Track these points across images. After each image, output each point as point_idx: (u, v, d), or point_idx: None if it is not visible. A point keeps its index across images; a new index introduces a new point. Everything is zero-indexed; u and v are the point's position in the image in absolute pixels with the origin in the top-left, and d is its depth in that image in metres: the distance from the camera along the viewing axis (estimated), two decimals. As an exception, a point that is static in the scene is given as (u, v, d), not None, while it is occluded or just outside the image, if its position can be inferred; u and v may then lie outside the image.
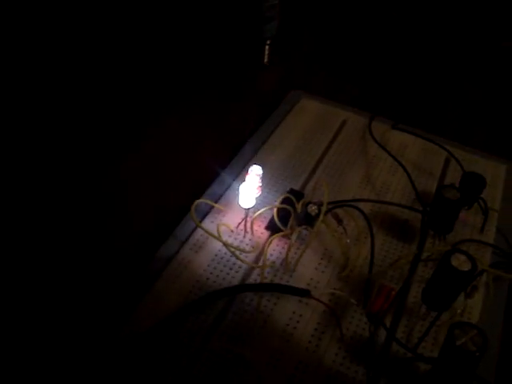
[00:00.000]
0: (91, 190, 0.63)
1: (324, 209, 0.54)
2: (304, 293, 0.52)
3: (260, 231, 0.59)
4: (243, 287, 0.53)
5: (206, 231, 0.56)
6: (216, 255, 0.57)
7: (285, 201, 0.59)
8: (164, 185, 0.66)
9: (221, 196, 0.63)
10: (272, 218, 0.59)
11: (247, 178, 0.55)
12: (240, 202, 0.55)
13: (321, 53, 0.96)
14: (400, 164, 0.67)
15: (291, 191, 0.62)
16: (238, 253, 0.55)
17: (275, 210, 0.57)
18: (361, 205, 0.61)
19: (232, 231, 0.59)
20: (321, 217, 0.54)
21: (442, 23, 0.92)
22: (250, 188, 0.54)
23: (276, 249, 0.58)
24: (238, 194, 0.56)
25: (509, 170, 0.72)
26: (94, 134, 0.67)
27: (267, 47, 0.87)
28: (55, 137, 0.65)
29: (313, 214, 0.55)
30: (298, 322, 0.52)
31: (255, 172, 0.56)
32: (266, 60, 0.88)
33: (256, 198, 0.57)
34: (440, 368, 0.43)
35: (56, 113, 0.67)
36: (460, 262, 0.47)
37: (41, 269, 0.54)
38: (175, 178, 0.67)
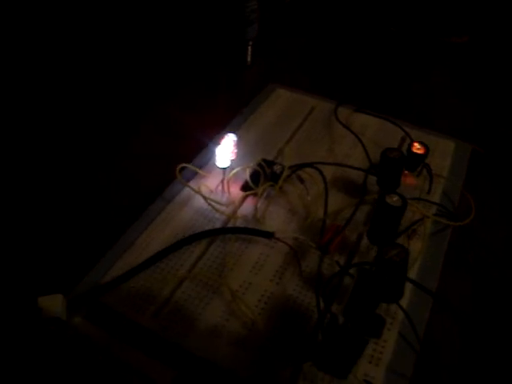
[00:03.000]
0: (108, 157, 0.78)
1: (286, 167, 0.65)
2: (269, 235, 0.62)
3: (236, 192, 0.70)
4: (219, 230, 0.63)
5: (187, 185, 0.67)
6: (197, 210, 0.68)
7: (257, 166, 0.69)
8: (159, 157, 0.77)
9: (205, 165, 0.74)
10: (246, 181, 0.69)
11: (222, 141, 0.65)
12: (216, 163, 0.66)
13: (297, 52, 1.07)
14: (355, 135, 0.78)
15: (264, 160, 0.72)
16: (215, 205, 0.65)
17: (248, 171, 0.68)
18: (323, 171, 0.71)
19: (212, 191, 0.69)
20: (284, 174, 0.65)
21: (402, 22, 1.03)
22: (225, 150, 0.65)
23: (249, 206, 0.68)
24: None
25: (457, 147, 0.82)
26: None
27: (249, 48, 0.99)
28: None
29: (278, 172, 0.66)
30: (264, 260, 0.62)
31: (230, 138, 0.66)
32: (248, 60, 1.00)
33: (232, 161, 0.67)
34: (375, 277, 0.52)
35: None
36: (393, 200, 0.57)
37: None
38: (168, 151, 0.78)
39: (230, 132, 0.68)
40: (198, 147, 0.76)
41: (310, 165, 0.69)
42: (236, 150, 0.67)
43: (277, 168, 0.65)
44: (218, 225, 0.66)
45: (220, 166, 0.65)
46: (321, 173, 0.68)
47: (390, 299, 0.55)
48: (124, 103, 0.88)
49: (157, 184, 0.71)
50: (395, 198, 0.56)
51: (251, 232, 0.62)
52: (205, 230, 0.63)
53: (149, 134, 0.82)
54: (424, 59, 1.00)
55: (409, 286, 0.60)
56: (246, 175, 0.68)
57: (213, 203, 0.65)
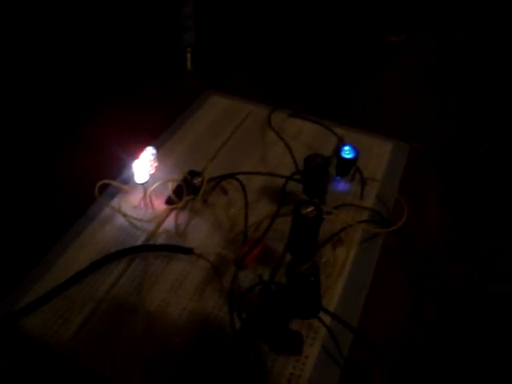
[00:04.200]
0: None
1: (206, 179, 0.63)
2: (188, 251, 0.60)
3: (160, 206, 0.67)
4: (135, 249, 0.61)
5: (107, 205, 0.64)
6: (120, 228, 0.65)
7: (184, 180, 0.67)
8: (86, 173, 0.74)
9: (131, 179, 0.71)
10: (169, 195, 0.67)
11: (140, 156, 0.63)
12: (135, 178, 0.63)
13: (240, 58, 1.05)
14: (285, 142, 0.76)
15: (190, 172, 0.69)
16: (135, 222, 0.63)
17: (170, 185, 0.65)
18: (253, 179, 0.70)
19: (135, 207, 0.67)
20: (203, 186, 0.62)
21: (338, 22, 1.01)
22: (142, 165, 0.62)
23: (174, 220, 0.66)
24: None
25: (395, 148, 0.80)
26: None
27: (189, 54, 0.96)
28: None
29: (198, 184, 0.63)
30: (185, 277, 0.60)
31: (149, 152, 0.64)
32: (189, 66, 0.97)
33: (154, 175, 0.64)
34: (289, 290, 0.50)
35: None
36: (308, 211, 0.54)
37: None
38: (97, 165, 0.75)
39: (151, 145, 0.65)
40: (128, 161, 0.73)
41: (232, 175, 0.67)
42: (156, 164, 0.65)
43: (197, 181, 0.63)
44: (140, 242, 0.64)
45: (138, 182, 0.63)
46: (241, 183, 0.66)
47: (306, 315, 0.52)
48: (48, 115, 0.85)
49: (83, 201, 0.68)
50: (310, 209, 0.54)
51: (169, 249, 0.60)
52: (120, 250, 0.61)
53: (77, 147, 0.79)
54: (373, 59, 0.98)
55: (333, 299, 0.58)
56: (169, 189, 0.65)
57: (133, 221, 0.63)
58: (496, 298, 0.61)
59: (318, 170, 0.62)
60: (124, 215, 0.63)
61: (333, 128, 0.81)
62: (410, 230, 0.67)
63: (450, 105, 0.92)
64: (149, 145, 0.69)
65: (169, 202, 0.67)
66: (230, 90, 0.92)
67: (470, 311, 0.59)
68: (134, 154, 0.66)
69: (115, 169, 0.72)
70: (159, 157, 0.71)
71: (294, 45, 1.03)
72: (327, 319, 0.56)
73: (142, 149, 0.65)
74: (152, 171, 0.64)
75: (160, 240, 0.64)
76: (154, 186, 0.65)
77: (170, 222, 0.66)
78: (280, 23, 1.09)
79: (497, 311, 0.59)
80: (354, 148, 0.68)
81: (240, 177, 0.69)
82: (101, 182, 0.66)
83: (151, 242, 0.63)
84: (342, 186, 0.70)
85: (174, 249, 0.60)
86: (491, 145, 0.83)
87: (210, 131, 0.81)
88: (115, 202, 0.66)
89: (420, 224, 0.69)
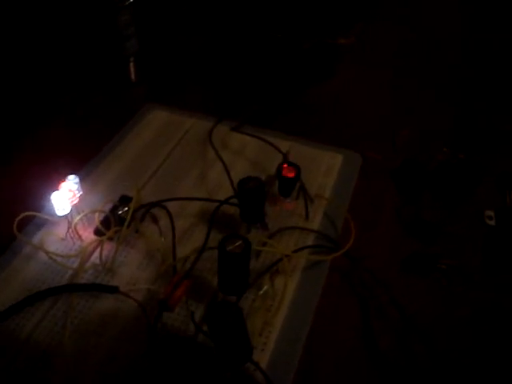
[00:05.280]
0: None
1: (131, 210, 0.58)
2: (112, 289, 0.55)
3: (90, 237, 0.62)
4: (51, 290, 0.56)
5: (26, 240, 0.59)
6: (45, 264, 0.60)
7: (112, 208, 0.62)
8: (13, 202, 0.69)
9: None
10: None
11: (60, 186, 0.58)
12: (55, 210, 0.58)
13: (187, 69, 0.99)
14: (222, 162, 0.71)
15: (122, 198, 0.64)
16: (58, 259, 0.58)
17: (97, 215, 0.60)
18: (189, 203, 0.66)
19: (63, 239, 0.62)
20: (128, 217, 0.57)
21: (286, 27, 0.96)
22: (62, 195, 0.57)
23: (104, 252, 0.61)
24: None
25: (345, 159, 0.75)
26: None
27: (132, 64, 0.91)
28: None
29: (123, 215, 0.58)
30: (112, 318, 0.56)
31: (70, 181, 0.59)
32: (132, 77, 0.92)
33: (77, 205, 0.60)
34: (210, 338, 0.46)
35: None
36: (235, 245, 0.50)
37: None
38: (23, 193, 0.69)
39: (79, 171, 0.61)
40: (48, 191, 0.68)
41: (158, 203, 0.62)
42: (80, 193, 0.60)
43: (122, 211, 0.58)
44: (65, 279, 0.59)
45: (59, 214, 0.58)
46: (168, 212, 0.61)
47: (235, 363, 0.48)
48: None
49: (6, 235, 0.63)
50: (238, 243, 0.50)
51: (93, 288, 0.56)
52: (37, 292, 0.56)
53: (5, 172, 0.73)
54: (321, 63, 0.94)
55: (272, 335, 0.54)
56: (96, 219, 0.60)
57: (56, 257, 0.58)
58: (451, 318, 0.58)
59: (252, 195, 0.58)
60: (45, 252, 0.58)
61: (279, 139, 0.76)
62: (362, 249, 0.63)
63: (405, 109, 0.87)
64: (78, 170, 0.65)
65: (97, 233, 0.62)
66: (176, 100, 0.86)
67: (423, 333, 0.56)
68: (56, 184, 0.60)
69: (42, 198, 0.67)
70: (90, 182, 0.66)
71: (243, 51, 0.98)
72: (264, 361, 0.51)
73: (64, 178, 0.60)
74: (75, 201, 0.59)
75: (87, 276, 0.59)
76: (79, 218, 0.60)
77: (98, 256, 0.60)
78: (228, 30, 1.03)
79: (453, 334, 0.56)
80: (295, 165, 0.64)
81: (173, 203, 0.64)
82: (21, 215, 0.61)
83: (75, 280, 0.58)
84: (287, 206, 0.66)
85: (97, 288, 0.55)
86: (450, 150, 0.79)
87: (146, 151, 0.76)
88: (38, 237, 0.61)
89: (374, 241, 0.65)
